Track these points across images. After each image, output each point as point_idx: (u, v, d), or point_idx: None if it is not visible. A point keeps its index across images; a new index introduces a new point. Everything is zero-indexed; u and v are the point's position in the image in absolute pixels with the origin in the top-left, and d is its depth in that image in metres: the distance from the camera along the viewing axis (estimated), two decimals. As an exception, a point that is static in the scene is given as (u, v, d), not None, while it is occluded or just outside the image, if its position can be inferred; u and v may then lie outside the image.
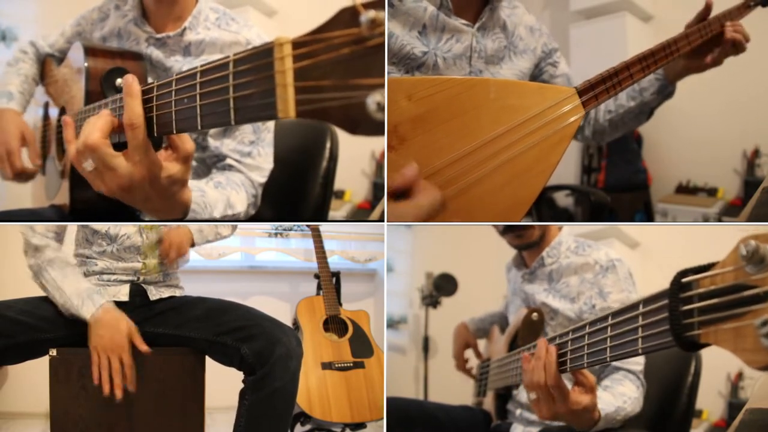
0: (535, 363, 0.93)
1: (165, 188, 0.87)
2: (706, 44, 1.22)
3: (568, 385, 0.96)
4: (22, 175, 1.37)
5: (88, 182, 0.88)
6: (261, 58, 0.63)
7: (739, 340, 0.50)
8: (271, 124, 1.36)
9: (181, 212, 1.01)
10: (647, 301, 0.64)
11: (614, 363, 1.30)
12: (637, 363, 1.30)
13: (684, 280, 0.58)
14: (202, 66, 0.72)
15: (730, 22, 1.21)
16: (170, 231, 1.33)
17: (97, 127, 0.83)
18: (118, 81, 1.10)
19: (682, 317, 0.57)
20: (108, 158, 0.82)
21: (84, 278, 1.26)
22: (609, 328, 0.72)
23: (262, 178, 1.34)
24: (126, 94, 0.81)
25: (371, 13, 0.54)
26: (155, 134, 0.81)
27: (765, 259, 0.49)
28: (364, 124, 0.56)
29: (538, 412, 0.95)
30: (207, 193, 1.15)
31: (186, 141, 0.87)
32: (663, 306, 0.60)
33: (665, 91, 1.29)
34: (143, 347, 1.17)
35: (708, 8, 1.21)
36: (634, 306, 0.66)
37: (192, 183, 1.10)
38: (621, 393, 1.24)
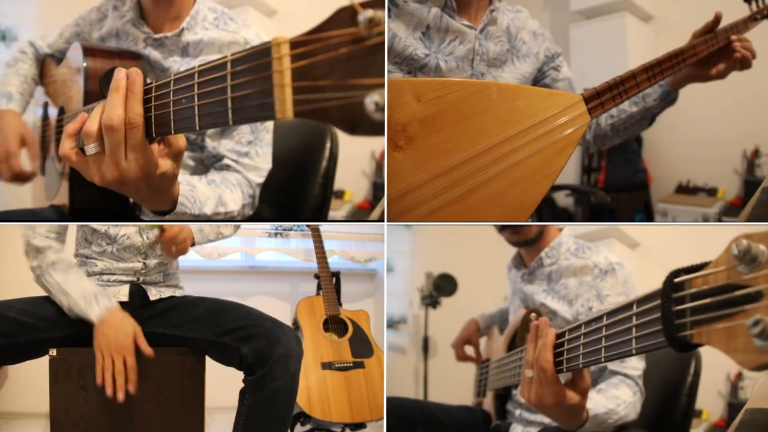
0: (534, 340, 0.90)
1: (157, 184, 0.87)
2: (712, 55, 1.22)
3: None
4: (20, 177, 1.37)
5: (81, 172, 0.86)
6: (258, 58, 0.62)
7: (732, 340, 0.50)
8: (270, 124, 1.36)
9: (168, 204, 1.00)
10: (641, 301, 0.64)
11: (612, 367, 1.28)
12: (635, 368, 1.28)
13: (676, 280, 0.58)
14: (199, 66, 0.71)
15: (737, 37, 1.21)
16: (172, 226, 1.33)
17: (119, 112, 0.78)
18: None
19: (674, 317, 0.57)
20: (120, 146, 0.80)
21: (87, 278, 1.26)
22: (604, 329, 0.72)
23: (259, 178, 1.33)
24: (128, 90, 0.80)
25: (369, 13, 0.54)
26: (153, 135, 0.80)
27: (757, 259, 0.49)
28: (362, 125, 0.55)
29: (524, 393, 0.92)
30: (197, 188, 1.15)
31: (179, 137, 0.86)
32: (656, 306, 0.60)
33: (668, 98, 1.30)
34: (147, 349, 1.17)
35: (717, 20, 1.22)
36: (628, 306, 0.66)
37: (183, 177, 1.09)
38: (614, 396, 1.21)
